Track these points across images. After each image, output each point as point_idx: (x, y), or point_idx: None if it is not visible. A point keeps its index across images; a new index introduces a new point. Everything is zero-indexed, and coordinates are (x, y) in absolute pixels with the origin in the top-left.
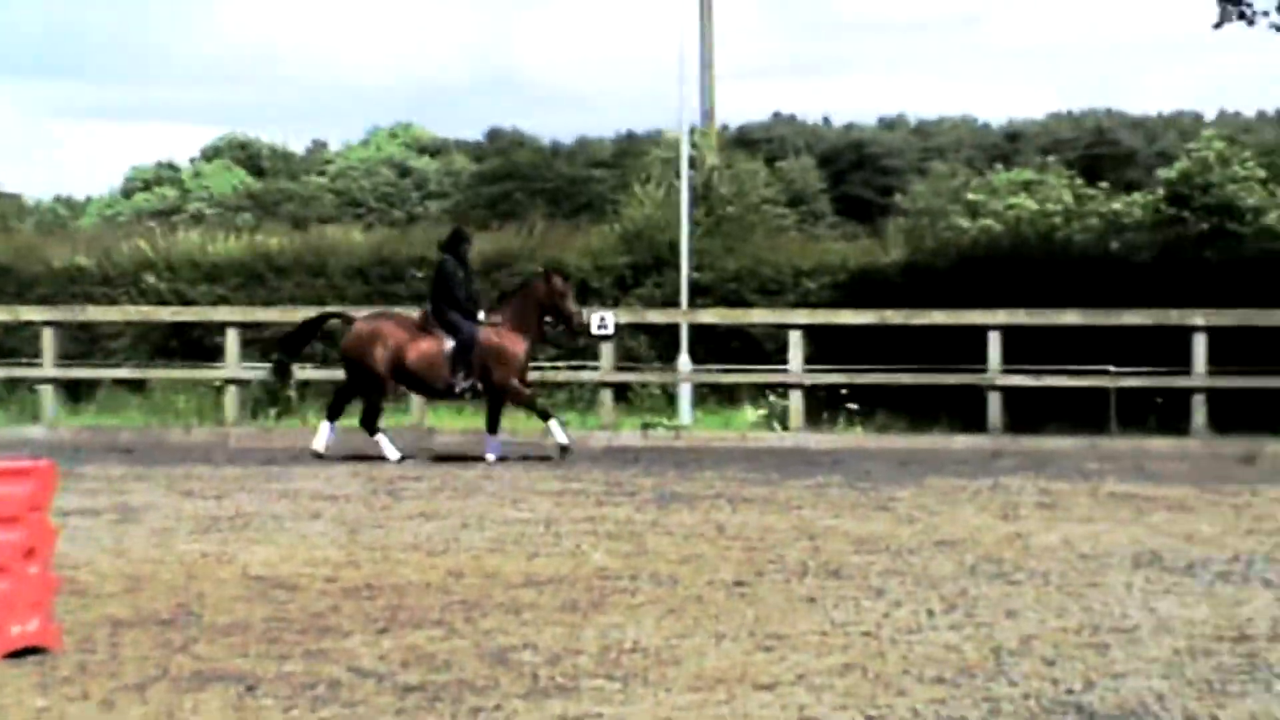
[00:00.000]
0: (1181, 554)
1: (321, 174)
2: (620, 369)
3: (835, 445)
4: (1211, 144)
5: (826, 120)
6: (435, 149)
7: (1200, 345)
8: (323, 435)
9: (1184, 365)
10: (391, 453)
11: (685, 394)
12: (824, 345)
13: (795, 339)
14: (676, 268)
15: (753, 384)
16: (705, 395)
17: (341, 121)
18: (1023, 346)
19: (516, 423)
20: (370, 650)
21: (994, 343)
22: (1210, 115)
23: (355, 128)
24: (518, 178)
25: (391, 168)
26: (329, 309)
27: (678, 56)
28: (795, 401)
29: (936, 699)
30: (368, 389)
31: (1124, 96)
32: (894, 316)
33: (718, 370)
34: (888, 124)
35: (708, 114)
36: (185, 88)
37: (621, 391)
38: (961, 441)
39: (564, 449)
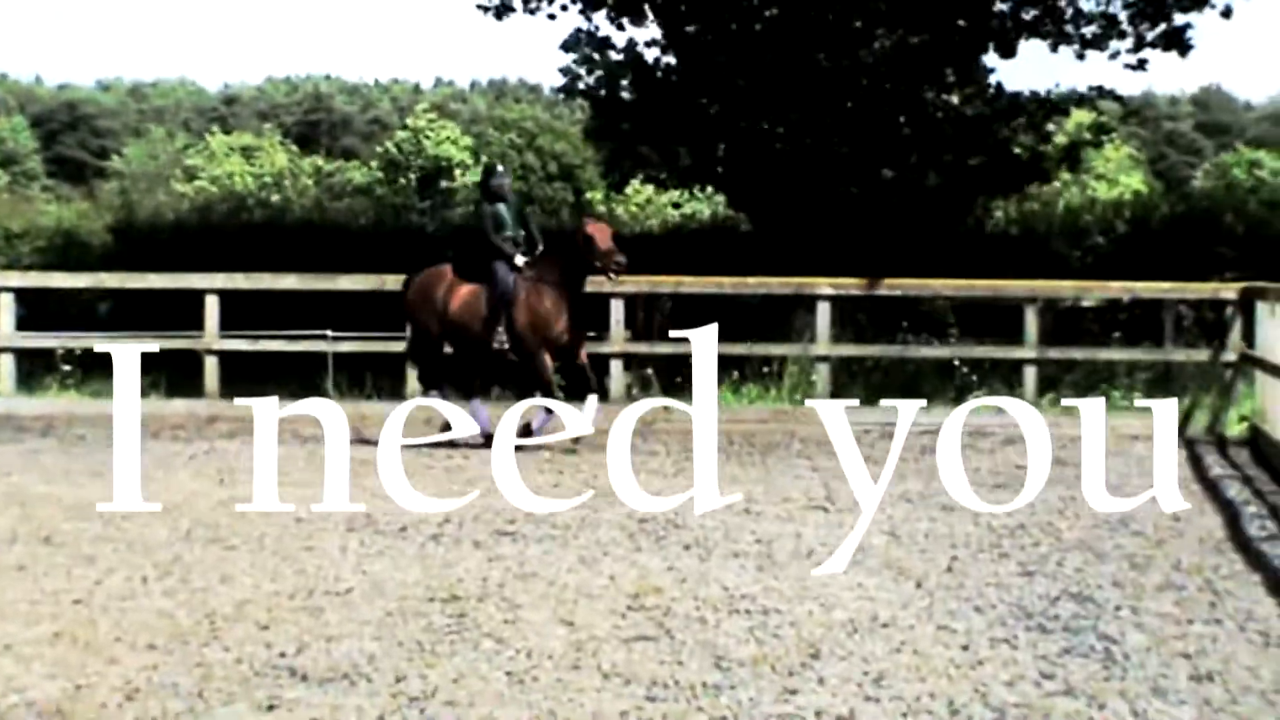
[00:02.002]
0: (395, 516)
1: None
2: None
3: (48, 410)
4: (424, 115)
5: (39, 79)
6: None
7: None
8: (478, 415)
9: (400, 330)
10: (542, 422)
11: None
12: (37, 309)
13: (6, 302)
14: None
15: None
16: None
17: None
18: (242, 311)
19: None
20: None
21: (211, 307)
22: (427, 84)
23: None
24: None
25: None
26: None
27: None
28: (5, 366)
29: (149, 666)
30: (422, 343)
31: (341, 64)
32: (110, 280)
33: None
34: (104, 85)
35: None
36: None
37: None
38: (178, 406)
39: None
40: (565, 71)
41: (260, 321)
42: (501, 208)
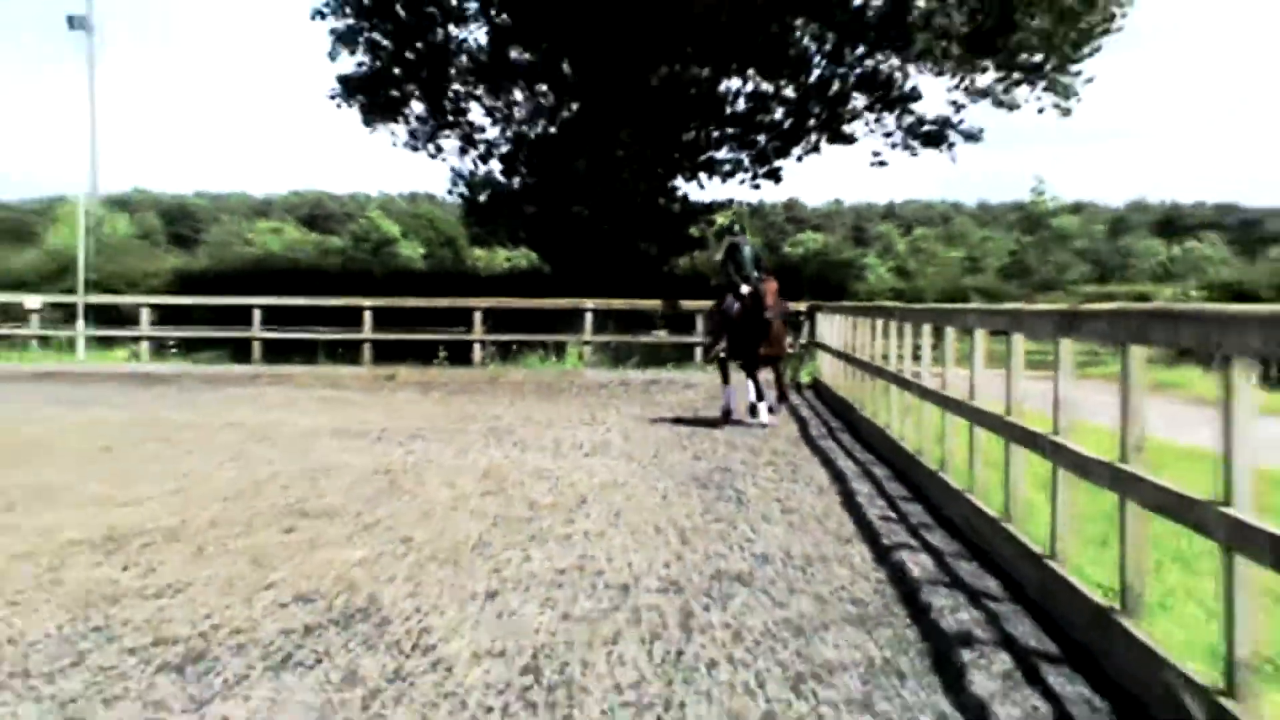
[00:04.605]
0: (357, 428)
1: None
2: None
3: (172, 371)
4: (374, 211)
5: (137, 188)
6: None
7: (368, 316)
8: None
9: (358, 327)
10: (733, 400)
11: (81, 340)
12: (167, 315)
13: (145, 312)
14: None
15: (124, 337)
16: (91, 342)
17: None
18: (276, 316)
19: None
20: None
21: (256, 314)
22: (374, 194)
23: None
24: None
25: None
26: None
27: None
28: (145, 347)
29: (223, 509)
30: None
31: (332, 179)
32: (205, 299)
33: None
34: (199, 194)
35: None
36: None
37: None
38: (238, 369)
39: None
40: (452, 184)
41: (287, 321)
42: (738, 254)
